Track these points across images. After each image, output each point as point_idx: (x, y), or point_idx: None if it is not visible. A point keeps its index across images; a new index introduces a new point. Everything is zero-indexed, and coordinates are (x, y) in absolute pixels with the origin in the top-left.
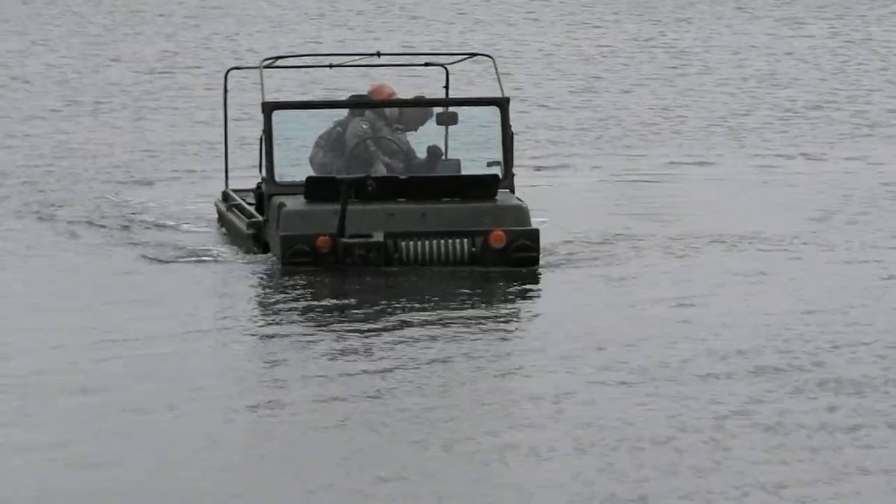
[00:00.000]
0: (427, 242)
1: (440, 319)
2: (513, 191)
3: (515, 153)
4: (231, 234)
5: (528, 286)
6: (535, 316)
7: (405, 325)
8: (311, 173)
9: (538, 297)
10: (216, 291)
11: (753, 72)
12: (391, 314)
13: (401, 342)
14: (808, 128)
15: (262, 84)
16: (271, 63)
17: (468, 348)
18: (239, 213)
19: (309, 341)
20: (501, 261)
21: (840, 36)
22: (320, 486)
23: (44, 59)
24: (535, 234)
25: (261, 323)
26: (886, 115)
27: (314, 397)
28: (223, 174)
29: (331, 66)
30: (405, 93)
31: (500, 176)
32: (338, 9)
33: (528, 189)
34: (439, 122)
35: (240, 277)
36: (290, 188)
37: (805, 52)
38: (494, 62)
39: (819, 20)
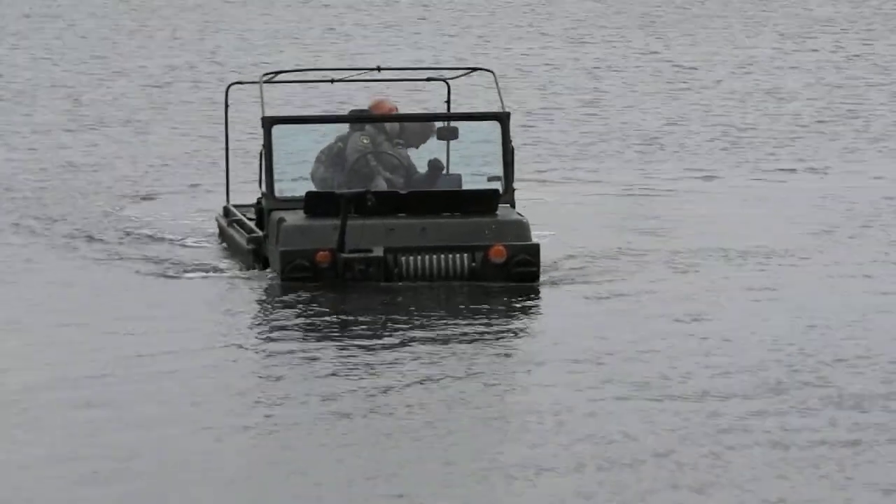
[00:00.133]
0: (427, 257)
1: (440, 334)
2: (513, 205)
3: (517, 168)
4: (231, 250)
5: (528, 301)
6: (536, 330)
7: (405, 340)
8: (312, 188)
9: (539, 311)
10: (216, 307)
11: (756, 86)
12: (391, 329)
13: (401, 357)
14: (811, 142)
15: (261, 99)
16: (271, 78)
17: (468, 363)
18: (239, 229)
19: (309, 356)
20: (502, 276)
21: (844, 50)
22: (320, 500)
23: (47, 72)
24: (535, 249)
25: (260, 338)
26: (890, 130)
27: (314, 413)
28: (224, 189)
29: (332, 80)
30: (406, 108)
31: (501, 191)
32: (343, 23)
33: (530, 203)
34: (440, 137)
35: (239, 293)
36: (289, 203)
37: (809, 66)
38: (495, 77)
39: (823, 35)
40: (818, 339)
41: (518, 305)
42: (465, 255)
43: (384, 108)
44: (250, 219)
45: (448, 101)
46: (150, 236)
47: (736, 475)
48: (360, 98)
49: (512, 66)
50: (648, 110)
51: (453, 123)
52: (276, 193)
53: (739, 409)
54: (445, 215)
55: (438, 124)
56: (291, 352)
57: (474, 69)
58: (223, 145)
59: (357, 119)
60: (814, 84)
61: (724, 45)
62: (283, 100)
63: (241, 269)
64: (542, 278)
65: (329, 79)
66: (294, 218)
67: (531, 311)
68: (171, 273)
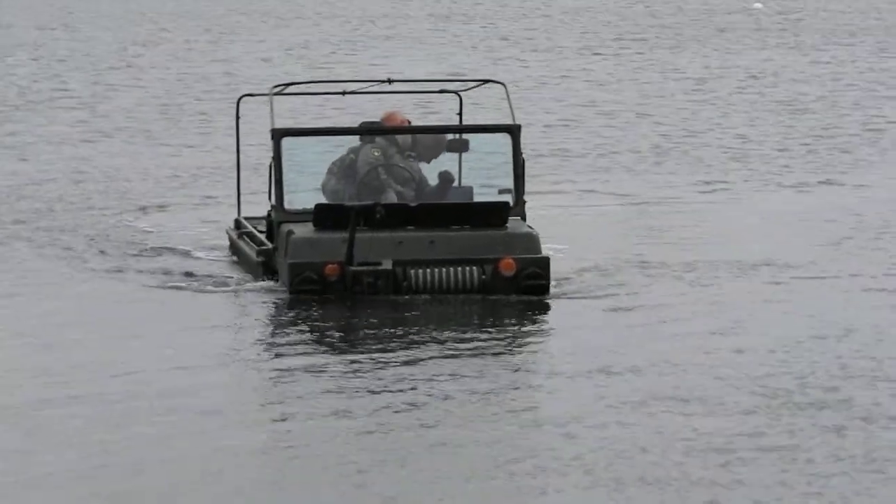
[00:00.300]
0: (436, 270)
1: (449, 347)
2: (524, 218)
3: (527, 180)
4: (242, 262)
5: (538, 314)
6: (545, 343)
7: (413, 353)
8: (322, 200)
9: (548, 324)
10: (225, 319)
11: (766, 97)
12: (400, 342)
13: (409, 370)
14: (822, 153)
15: (271, 111)
16: (282, 90)
17: (477, 375)
18: (249, 241)
19: (317, 370)
20: (511, 289)
21: (855, 63)
22: None
23: (58, 83)
24: (545, 262)
25: (268, 351)
26: None
27: (323, 426)
28: (236, 201)
29: (343, 93)
30: (417, 121)
31: (511, 203)
32: (358, 35)
33: (541, 215)
34: (450, 150)
35: (248, 305)
36: (299, 215)
37: (820, 78)
38: (506, 89)
39: (834, 47)
40: (829, 352)
41: (527, 318)
42: (475, 268)
43: (396, 120)
44: (261, 231)
45: (460, 114)
46: (160, 248)
47: (746, 487)
48: (372, 110)
49: (525, 78)
50: (661, 122)
51: (464, 136)
52: (286, 206)
53: (750, 421)
54: (455, 228)
55: (449, 137)
56: (299, 365)
57: (485, 81)
58: (235, 157)
59: (367, 131)
60: (827, 96)
61: (737, 56)
62: (298, 112)
63: (250, 282)
64: (552, 291)
65: (340, 91)
66: (303, 230)
67: (541, 323)
68: (180, 286)
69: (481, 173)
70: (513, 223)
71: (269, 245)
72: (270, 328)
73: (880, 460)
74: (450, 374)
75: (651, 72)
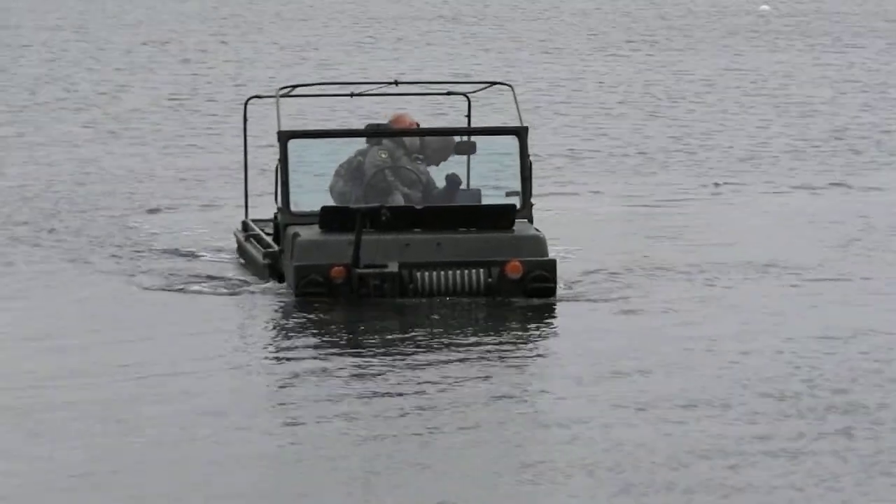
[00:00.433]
0: (442, 273)
1: (455, 350)
2: (531, 220)
3: (535, 182)
4: (249, 264)
5: (544, 316)
6: (551, 345)
7: (420, 355)
8: (330, 202)
9: (555, 325)
10: (231, 322)
11: (775, 99)
12: (406, 345)
13: (416, 371)
14: (829, 156)
15: (278, 112)
16: (289, 92)
17: (483, 377)
18: (256, 244)
19: (322, 373)
20: (518, 292)
21: (862, 65)
22: None
23: (65, 84)
24: (551, 265)
25: (273, 354)
26: None
27: (329, 428)
28: (243, 203)
29: (352, 94)
30: (425, 123)
31: (518, 205)
32: (370, 37)
33: (550, 217)
34: (458, 152)
35: (255, 308)
36: (305, 218)
37: (827, 80)
38: (513, 91)
39: (842, 49)
40: (837, 354)
41: (535, 321)
42: (481, 270)
43: (404, 122)
44: (268, 233)
45: (469, 116)
46: (167, 250)
47: (753, 489)
48: (381, 112)
49: (534, 80)
50: (670, 124)
51: (471, 138)
52: (292, 208)
53: (758, 423)
54: (461, 230)
55: (457, 139)
56: (305, 369)
57: (493, 83)
58: (243, 159)
59: (373, 133)
60: (836, 98)
61: (745, 58)
62: (305, 113)
63: (257, 284)
64: (559, 293)
65: (348, 93)
66: (309, 233)
67: (548, 326)
68: (186, 288)
69: (488, 176)
70: (520, 226)
71: (276, 247)
72: (276, 331)
73: (888, 462)
74: (456, 377)
75: (660, 73)
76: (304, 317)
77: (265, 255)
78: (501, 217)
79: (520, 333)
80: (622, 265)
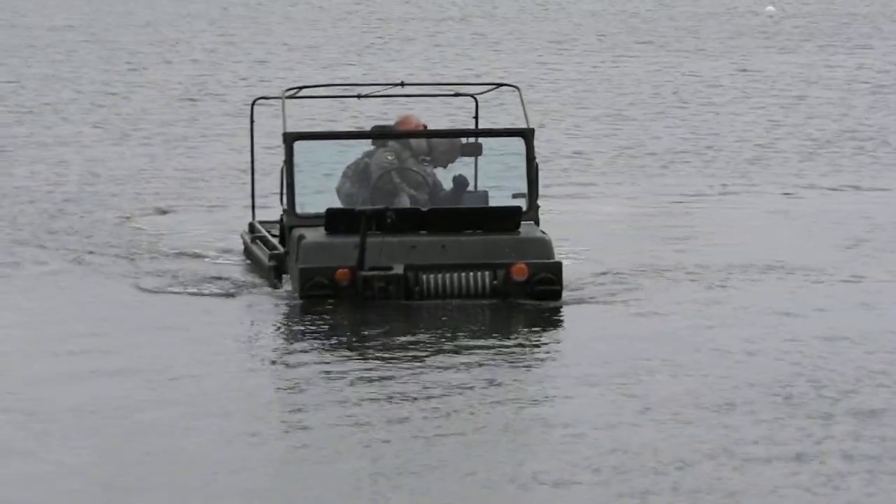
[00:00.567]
0: (448, 275)
1: (460, 352)
2: (537, 222)
3: (542, 183)
4: (255, 266)
5: (550, 318)
6: (557, 346)
7: (425, 357)
8: (337, 203)
9: (560, 328)
10: (235, 324)
11: (782, 100)
12: (410, 347)
13: (420, 374)
14: (837, 157)
15: (283, 114)
16: (295, 93)
17: (488, 378)
18: (262, 245)
19: (327, 375)
20: (523, 294)
21: (870, 66)
22: None
23: (73, 85)
24: (557, 268)
25: (278, 357)
26: None
27: (334, 431)
28: (250, 205)
29: (359, 96)
30: (432, 125)
31: (525, 207)
32: (377, 40)
33: (557, 219)
34: (464, 154)
35: (259, 310)
36: (311, 220)
37: (833, 81)
38: (520, 92)
39: (849, 50)
40: (842, 355)
41: (539, 322)
42: (487, 273)
43: (411, 124)
44: (275, 235)
45: (476, 117)
46: (173, 252)
47: (758, 489)
48: (388, 114)
49: (541, 81)
50: (674, 125)
51: (477, 140)
52: (298, 210)
53: (763, 423)
54: (467, 233)
55: (463, 140)
56: (308, 372)
57: (500, 85)
58: (250, 161)
59: (379, 135)
60: (840, 98)
61: (752, 59)
62: (314, 115)
63: (261, 287)
64: (566, 295)
65: (355, 94)
66: (314, 235)
67: (553, 327)
68: (193, 289)
69: (495, 177)
70: (526, 228)
71: (282, 249)
72: (280, 334)
73: (895, 464)
74: (461, 379)
75: (668, 75)
76: (308, 320)
77: (271, 258)
78: (507, 219)
79: (525, 335)
80: (629, 267)
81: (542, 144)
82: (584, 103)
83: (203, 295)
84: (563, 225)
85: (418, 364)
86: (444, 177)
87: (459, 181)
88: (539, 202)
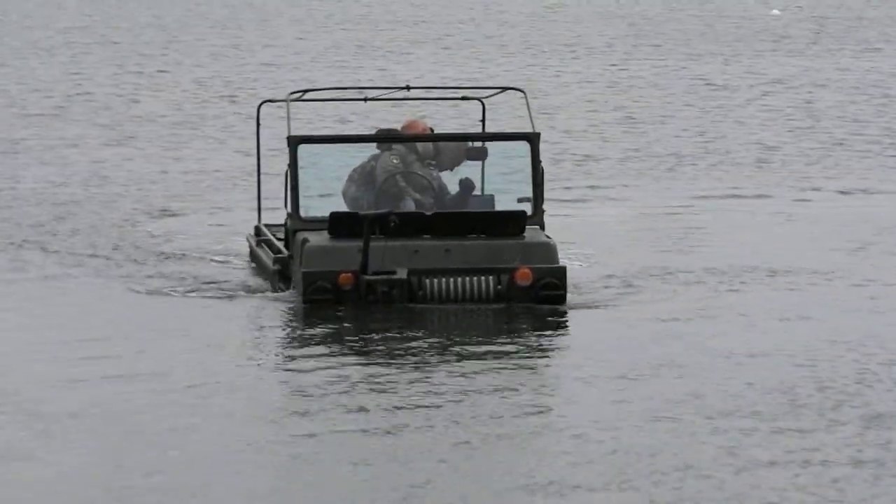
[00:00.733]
0: (451, 280)
1: (464, 356)
2: (543, 227)
3: (548, 187)
4: (260, 270)
5: (554, 322)
6: (561, 350)
7: (428, 362)
8: (342, 207)
9: (565, 332)
10: (237, 327)
11: (788, 103)
12: (414, 352)
13: (424, 379)
14: (843, 160)
15: (288, 117)
16: (300, 96)
17: (492, 383)
18: (267, 249)
19: (329, 379)
20: (527, 299)
21: (878, 68)
22: None
23: (80, 87)
24: (561, 272)
25: (281, 361)
26: None
27: (338, 435)
28: (256, 208)
29: (365, 99)
30: (438, 129)
31: (530, 211)
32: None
33: (562, 221)
34: (469, 158)
35: (263, 314)
36: (315, 223)
37: (841, 84)
38: (526, 96)
39: (855, 53)
40: (847, 357)
41: (543, 327)
42: (491, 277)
43: (417, 128)
44: (279, 239)
45: (483, 121)
46: (178, 254)
47: (764, 492)
48: (394, 117)
49: (548, 84)
50: (685, 128)
51: (483, 144)
52: (302, 213)
53: (768, 426)
54: (471, 237)
55: (469, 144)
56: (311, 377)
57: (505, 89)
58: (256, 164)
59: (384, 139)
60: (850, 102)
61: (758, 63)
62: (323, 118)
63: (265, 290)
64: (570, 299)
65: (360, 97)
66: (318, 239)
67: (557, 331)
68: (196, 293)
69: (500, 181)
70: (530, 232)
71: (286, 253)
72: (282, 338)
73: None
74: (464, 384)
75: (673, 78)
76: (311, 324)
77: (275, 261)
78: (512, 223)
79: (529, 340)
80: (635, 270)
81: (549, 147)
82: (589, 107)
83: (207, 298)
84: (569, 228)
85: (421, 368)
86: (451, 180)
87: (465, 185)
88: (544, 206)
